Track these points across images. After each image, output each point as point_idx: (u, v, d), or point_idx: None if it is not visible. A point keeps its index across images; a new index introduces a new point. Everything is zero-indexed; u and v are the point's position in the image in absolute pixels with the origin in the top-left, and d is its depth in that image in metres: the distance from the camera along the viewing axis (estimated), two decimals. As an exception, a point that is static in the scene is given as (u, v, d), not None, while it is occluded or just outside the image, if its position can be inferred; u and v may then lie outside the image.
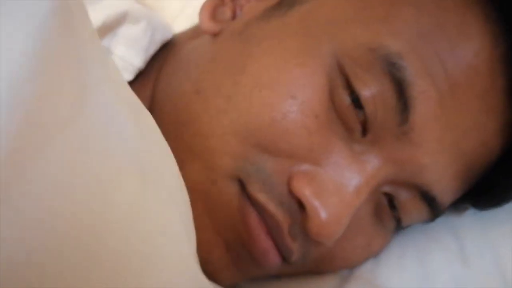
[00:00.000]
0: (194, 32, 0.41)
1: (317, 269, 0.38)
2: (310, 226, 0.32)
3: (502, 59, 0.32)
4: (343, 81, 0.31)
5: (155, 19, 0.41)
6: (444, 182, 0.34)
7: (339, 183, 0.32)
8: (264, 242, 0.33)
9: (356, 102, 0.31)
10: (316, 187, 0.31)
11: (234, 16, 0.38)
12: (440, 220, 0.40)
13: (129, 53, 0.39)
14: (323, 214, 0.31)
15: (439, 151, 0.32)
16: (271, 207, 0.32)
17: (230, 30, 0.36)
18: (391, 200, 0.35)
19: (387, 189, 0.34)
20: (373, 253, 0.39)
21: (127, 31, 0.39)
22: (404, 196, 0.35)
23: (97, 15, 0.38)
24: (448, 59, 0.31)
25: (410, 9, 0.32)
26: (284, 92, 0.31)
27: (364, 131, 0.32)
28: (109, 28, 0.39)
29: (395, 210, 0.36)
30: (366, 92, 0.31)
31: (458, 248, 0.40)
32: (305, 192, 0.31)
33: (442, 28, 0.32)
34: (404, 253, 0.40)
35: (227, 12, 0.38)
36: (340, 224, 0.32)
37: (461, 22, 0.32)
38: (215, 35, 0.37)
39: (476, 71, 0.32)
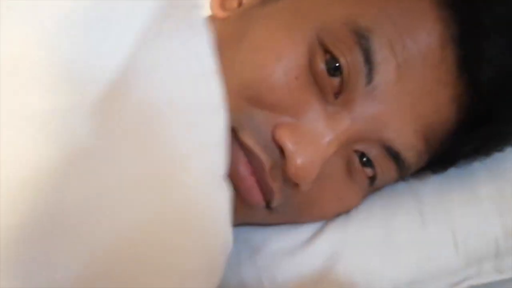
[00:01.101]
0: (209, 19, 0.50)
1: (298, 219, 0.45)
2: (288, 168, 0.38)
3: (452, 39, 0.39)
4: (321, 51, 0.39)
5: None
6: (404, 139, 0.40)
7: (314, 136, 0.39)
8: (249, 180, 0.39)
9: (331, 69, 0.39)
10: (295, 136, 0.38)
11: (240, 5, 0.46)
12: (405, 187, 0.47)
13: None
14: (299, 159, 0.38)
15: (397, 109, 0.39)
16: (257, 149, 0.39)
17: (235, 14, 0.45)
18: (362, 157, 0.41)
19: (357, 146, 0.41)
20: (346, 207, 0.45)
21: None
22: (373, 153, 0.41)
23: None
24: (406, 36, 0.39)
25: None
26: (272, 56, 0.39)
27: (337, 94, 0.39)
28: None
29: (367, 167, 0.42)
30: (342, 59, 0.38)
31: (418, 212, 0.46)
32: (285, 140, 0.38)
33: (404, 12, 0.39)
34: (371, 213, 0.46)
35: (233, 2, 0.47)
36: (313, 168, 0.38)
37: (419, 9, 0.40)
38: (224, 20, 0.46)
39: (429, 47, 0.39)
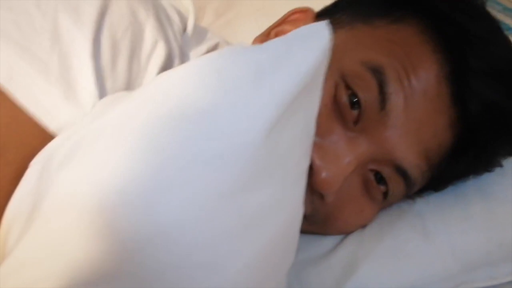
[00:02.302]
0: None
1: (325, 229, 0.53)
2: (314, 180, 0.45)
3: (446, 77, 0.48)
4: (344, 87, 0.47)
5: None
6: (410, 159, 0.48)
7: (337, 155, 0.47)
8: None
9: (352, 102, 0.47)
10: (321, 154, 0.45)
11: None
12: (409, 207, 0.56)
13: None
14: (324, 172, 0.45)
15: (405, 133, 0.47)
16: None
17: None
18: (377, 175, 0.50)
19: (372, 166, 0.49)
20: (365, 220, 0.53)
21: None
22: (385, 171, 0.49)
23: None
24: (411, 73, 0.47)
25: (388, 43, 0.49)
26: None
27: (355, 122, 0.47)
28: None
29: (381, 184, 0.50)
30: (361, 94, 0.47)
31: (421, 228, 0.54)
32: (314, 156, 0.44)
33: (408, 54, 0.48)
34: (381, 229, 0.55)
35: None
36: (336, 181, 0.46)
37: (419, 52, 0.48)
38: None
39: (428, 83, 0.48)
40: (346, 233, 0.54)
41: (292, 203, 0.38)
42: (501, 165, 0.55)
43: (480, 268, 0.53)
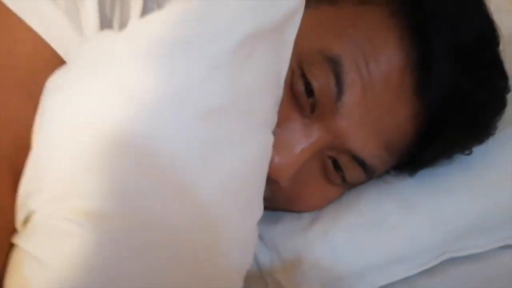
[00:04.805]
0: None
1: (288, 208, 0.54)
2: (269, 167, 0.44)
3: (409, 65, 0.46)
4: (300, 75, 0.46)
5: None
6: (367, 149, 0.48)
7: (291, 143, 0.47)
8: None
9: (308, 90, 0.46)
10: (276, 143, 0.43)
11: None
12: (389, 181, 0.56)
13: None
14: (276, 160, 0.45)
15: (361, 124, 0.46)
16: None
17: None
18: (335, 162, 0.50)
19: (330, 153, 0.49)
20: (328, 200, 0.54)
21: None
22: (342, 159, 0.49)
23: None
24: (371, 62, 0.45)
25: (349, 28, 0.47)
26: None
27: (312, 110, 0.47)
28: None
29: (339, 170, 0.50)
30: (314, 82, 0.46)
31: (402, 200, 0.54)
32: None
33: (369, 40, 0.46)
34: (360, 200, 0.55)
35: None
36: (287, 168, 0.46)
37: (382, 38, 0.46)
38: None
39: (389, 72, 0.45)
40: (312, 210, 0.55)
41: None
42: (470, 153, 0.54)
43: (464, 237, 0.54)
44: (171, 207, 0.37)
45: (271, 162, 0.44)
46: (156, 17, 0.38)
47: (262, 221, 0.43)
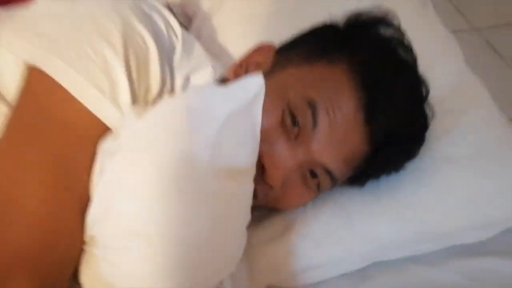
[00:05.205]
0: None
1: (275, 205, 0.69)
2: (266, 176, 0.63)
3: (360, 109, 0.64)
4: (289, 113, 0.63)
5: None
6: (334, 163, 0.65)
7: (282, 159, 0.64)
8: None
9: (293, 122, 0.63)
10: (271, 159, 0.63)
11: (246, 73, 0.69)
12: (337, 200, 0.72)
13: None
14: (272, 171, 0.63)
15: (329, 147, 0.64)
16: None
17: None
18: (312, 172, 0.66)
19: (308, 166, 0.65)
20: (305, 202, 0.70)
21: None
22: (318, 170, 0.66)
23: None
24: (335, 106, 0.63)
25: (321, 82, 0.65)
26: (265, 112, 0.62)
27: (296, 137, 0.64)
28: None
29: (314, 178, 0.66)
30: (300, 118, 0.63)
31: (348, 220, 0.71)
32: (266, 160, 0.63)
33: (334, 91, 0.64)
34: (320, 218, 0.71)
35: (242, 71, 0.70)
36: (279, 177, 0.64)
37: (343, 90, 0.64)
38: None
39: (347, 112, 0.63)
40: (293, 209, 0.71)
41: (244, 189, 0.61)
42: (403, 169, 0.72)
43: (391, 248, 0.72)
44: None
45: (269, 171, 0.62)
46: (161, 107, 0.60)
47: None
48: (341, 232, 0.70)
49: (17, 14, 0.65)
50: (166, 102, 0.60)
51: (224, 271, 0.62)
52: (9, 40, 0.61)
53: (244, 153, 0.60)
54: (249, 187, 0.60)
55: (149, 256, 0.55)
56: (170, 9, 1.00)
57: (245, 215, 0.62)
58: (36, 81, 0.59)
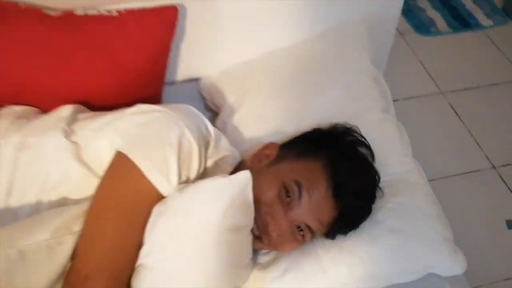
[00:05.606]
0: (243, 165, 1.11)
1: (274, 248, 1.06)
2: (268, 229, 1.00)
3: (332, 188, 0.99)
4: (284, 189, 0.99)
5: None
6: (312, 222, 1.00)
7: (279, 220, 1.00)
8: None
9: (287, 195, 0.99)
10: (271, 218, 1.00)
11: (260, 163, 1.08)
12: (314, 250, 1.07)
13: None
14: (271, 227, 1.00)
15: (309, 212, 0.99)
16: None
17: (255, 167, 1.05)
18: (298, 228, 1.02)
19: (296, 223, 1.01)
20: (294, 248, 1.04)
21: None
22: (303, 226, 1.00)
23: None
24: (314, 187, 0.99)
25: (305, 170, 1.01)
26: (265, 189, 1.00)
27: (288, 204, 0.99)
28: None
29: (300, 232, 1.02)
30: (291, 192, 0.99)
31: (322, 267, 1.05)
32: (268, 218, 1.00)
33: (314, 177, 1.00)
34: (303, 263, 1.06)
35: (256, 160, 1.08)
36: (277, 229, 1.00)
37: (320, 177, 1.00)
38: (251, 168, 1.04)
39: (322, 192, 0.99)
40: (287, 252, 1.06)
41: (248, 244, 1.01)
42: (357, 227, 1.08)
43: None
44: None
45: (270, 226, 1.00)
46: (192, 188, 0.96)
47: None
48: (314, 276, 1.05)
49: (111, 116, 1.04)
50: (195, 185, 0.95)
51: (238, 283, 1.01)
52: (110, 136, 0.99)
53: (244, 217, 0.96)
54: (249, 236, 0.99)
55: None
56: (203, 96, 1.39)
57: (248, 252, 1.00)
58: (120, 163, 0.95)
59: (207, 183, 0.95)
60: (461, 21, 2.60)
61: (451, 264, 1.09)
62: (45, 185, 0.98)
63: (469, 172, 1.98)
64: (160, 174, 0.93)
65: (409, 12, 2.60)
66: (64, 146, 1.00)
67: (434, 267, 1.10)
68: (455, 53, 2.45)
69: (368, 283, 1.06)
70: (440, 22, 2.58)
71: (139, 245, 0.93)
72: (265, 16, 1.35)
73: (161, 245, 0.92)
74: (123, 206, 0.94)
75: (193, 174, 0.99)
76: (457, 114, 2.18)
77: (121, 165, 0.95)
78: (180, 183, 0.95)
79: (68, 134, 1.02)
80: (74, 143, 1.01)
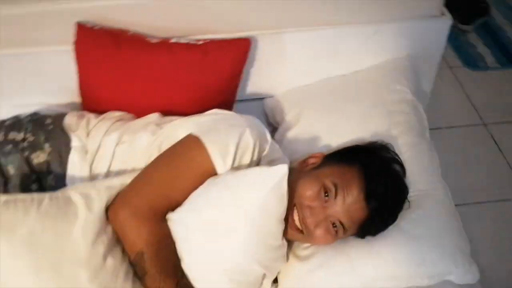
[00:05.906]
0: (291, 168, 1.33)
1: (311, 242, 1.28)
2: (308, 223, 1.20)
3: (364, 192, 1.17)
4: (323, 188, 1.18)
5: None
6: (345, 220, 1.18)
7: (318, 214, 1.19)
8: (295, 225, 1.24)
9: (326, 194, 1.20)
10: (311, 212, 1.19)
11: (306, 167, 1.31)
12: (344, 249, 1.29)
13: None
14: (310, 220, 1.20)
15: (343, 210, 1.17)
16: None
17: (303, 170, 1.29)
18: (333, 225, 1.23)
19: (331, 220, 1.20)
20: (329, 242, 1.23)
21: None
22: (336, 223, 1.19)
23: None
24: (348, 187, 1.17)
25: (342, 174, 1.20)
26: (308, 188, 1.22)
27: (325, 202, 1.18)
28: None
29: (335, 227, 1.22)
30: (329, 192, 1.18)
31: (350, 264, 1.26)
32: (307, 212, 1.20)
33: (348, 181, 1.18)
34: (335, 252, 1.28)
35: (304, 165, 1.31)
36: (314, 221, 1.20)
37: (353, 181, 1.18)
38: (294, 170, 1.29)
39: (355, 194, 1.17)
40: (321, 244, 1.25)
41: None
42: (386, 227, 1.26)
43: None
44: None
45: (308, 219, 1.21)
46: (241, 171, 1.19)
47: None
48: (345, 269, 1.23)
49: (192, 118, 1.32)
50: (246, 169, 1.18)
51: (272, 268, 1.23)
52: (189, 126, 1.25)
53: (277, 208, 1.16)
54: (279, 224, 1.17)
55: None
56: (265, 113, 1.65)
57: (277, 238, 1.19)
58: (189, 140, 1.19)
59: (255, 168, 1.19)
60: (509, 57, 2.74)
61: (464, 273, 1.24)
62: (134, 172, 1.25)
63: (502, 200, 2.12)
64: (220, 155, 1.17)
65: (460, 47, 2.77)
66: (151, 141, 1.28)
67: (449, 274, 1.24)
68: (501, 87, 2.59)
69: (390, 282, 1.23)
70: (489, 57, 2.73)
71: (178, 203, 1.17)
72: (323, 48, 1.63)
73: (199, 208, 1.15)
74: (178, 164, 1.19)
75: (244, 164, 1.21)
76: (497, 144, 2.33)
77: (189, 141, 1.20)
78: (232, 168, 1.18)
79: (154, 131, 1.30)
80: (159, 137, 1.28)
